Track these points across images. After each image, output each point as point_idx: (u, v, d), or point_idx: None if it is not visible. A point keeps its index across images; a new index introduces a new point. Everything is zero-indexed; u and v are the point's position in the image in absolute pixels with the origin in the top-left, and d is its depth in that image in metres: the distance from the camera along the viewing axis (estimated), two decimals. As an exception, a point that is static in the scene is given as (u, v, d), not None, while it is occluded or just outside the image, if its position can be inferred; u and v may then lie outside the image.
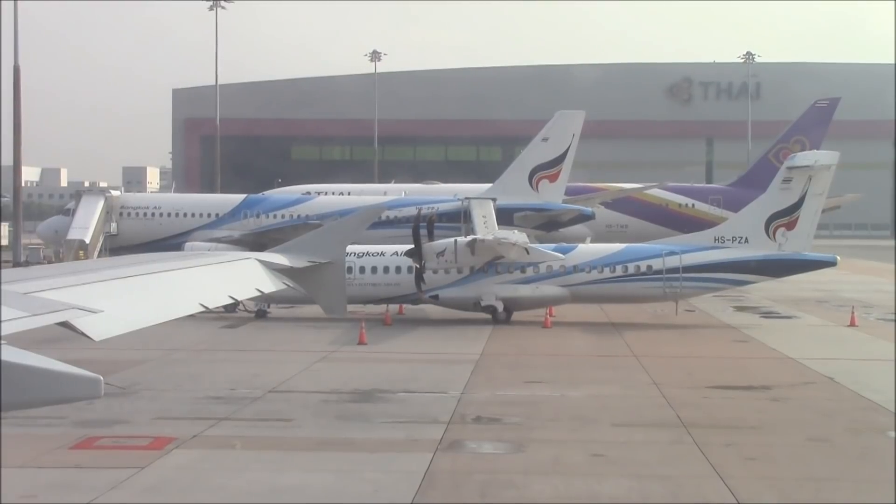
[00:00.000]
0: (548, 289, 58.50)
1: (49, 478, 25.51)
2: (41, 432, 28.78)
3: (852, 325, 58.14)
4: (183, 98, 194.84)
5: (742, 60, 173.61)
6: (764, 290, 71.11)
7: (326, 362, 45.16)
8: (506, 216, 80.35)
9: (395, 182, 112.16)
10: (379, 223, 68.67)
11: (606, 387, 39.61)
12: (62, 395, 9.13)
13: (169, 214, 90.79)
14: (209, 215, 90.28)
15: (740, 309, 68.03)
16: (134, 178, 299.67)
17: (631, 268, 58.89)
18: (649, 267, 58.76)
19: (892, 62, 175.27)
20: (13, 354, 8.82)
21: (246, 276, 16.44)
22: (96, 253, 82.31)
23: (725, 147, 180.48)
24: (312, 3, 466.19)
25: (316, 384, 39.39)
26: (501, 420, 32.99)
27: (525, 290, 58.58)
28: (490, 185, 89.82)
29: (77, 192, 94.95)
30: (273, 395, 37.26)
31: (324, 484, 26.09)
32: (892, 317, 62.12)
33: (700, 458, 27.74)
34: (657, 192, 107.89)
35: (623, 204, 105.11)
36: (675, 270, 58.41)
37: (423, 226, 58.46)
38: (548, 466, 27.00)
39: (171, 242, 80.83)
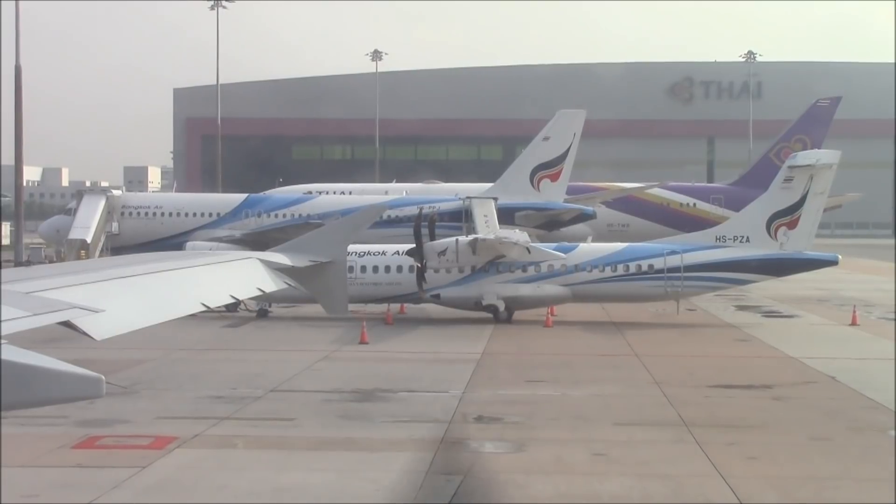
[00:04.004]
0: (549, 288, 58.58)
1: (51, 477, 25.50)
2: (43, 432, 28.82)
3: (854, 324, 58.27)
4: (184, 97, 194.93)
5: (743, 59, 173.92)
6: (765, 289, 71.26)
7: (328, 361, 45.41)
8: (507, 215, 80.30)
9: (396, 181, 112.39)
10: (380, 222, 68.90)
11: (608, 386, 39.73)
12: (64, 395, 8.99)
13: (170, 214, 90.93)
14: (210, 215, 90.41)
15: (742, 308, 68.23)
16: (135, 178, 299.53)
17: (632, 267, 58.93)
18: (651, 266, 58.80)
19: (893, 61, 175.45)
20: (14, 354, 8.67)
21: (247, 276, 16.55)
22: (97, 252, 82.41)
23: (727, 146, 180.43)
24: (315, 3, 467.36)
25: (318, 383, 39.59)
26: (503, 419, 33.17)
27: (526, 290, 58.72)
28: (491, 184, 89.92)
29: (78, 192, 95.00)
30: (275, 394, 37.33)
31: (325, 483, 26.07)
32: (893, 316, 62.28)
33: (701, 457, 27.80)
34: (658, 192, 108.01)
35: (624, 203, 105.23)
36: (676, 270, 58.45)
37: (424, 225, 58.67)
38: (549, 466, 27.13)
39: (172, 242, 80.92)
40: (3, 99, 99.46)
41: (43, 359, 8.90)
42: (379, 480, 25.95)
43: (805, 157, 62.21)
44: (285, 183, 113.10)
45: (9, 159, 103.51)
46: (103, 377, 8.74)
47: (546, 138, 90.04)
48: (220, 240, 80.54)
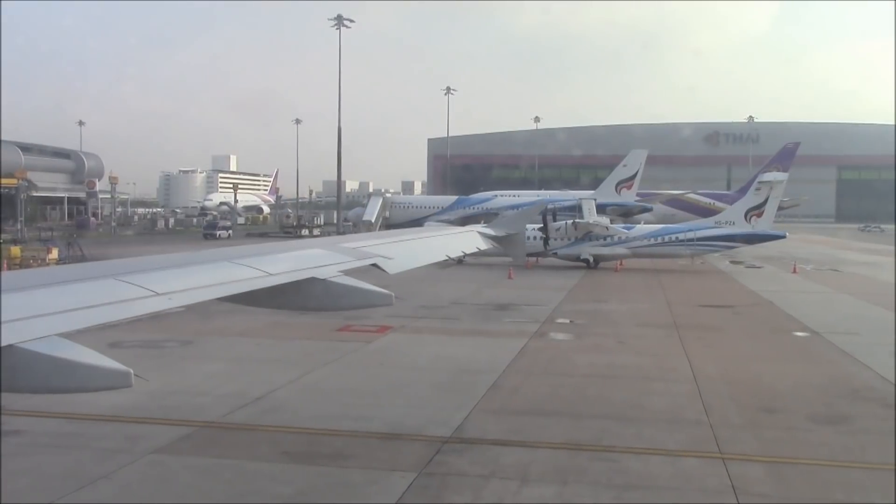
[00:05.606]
0: (619, 249, 59.30)
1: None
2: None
3: (794, 272, 57.13)
4: (433, 143, 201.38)
5: (747, 121, 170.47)
6: (748, 252, 68.77)
7: (488, 287, 45.73)
8: (601, 209, 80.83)
9: (543, 190, 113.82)
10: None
11: (639, 304, 39.48)
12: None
13: (416, 207, 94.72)
14: (438, 207, 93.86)
15: (734, 262, 66.53)
16: (406, 187, 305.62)
17: (667, 238, 59.62)
18: (677, 238, 59.46)
19: (834, 120, 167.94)
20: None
21: (471, 240, 16.03)
22: (377, 229, 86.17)
23: (737, 171, 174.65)
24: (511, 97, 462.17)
25: (478, 299, 39.89)
26: (574, 321, 32.86)
27: (605, 250, 59.32)
28: (593, 191, 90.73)
29: (368, 194, 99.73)
30: (455, 304, 38.19)
31: (468, 353, 25.02)
32: (823, 268, 61.13)
33: (678, 344, 27.78)
34: (693, 196, 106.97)
35: (673, 202, 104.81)
36: (692, 239, 58.82)
37: (549, 213, 59.12)
38: (590, 348, 26.73)
39: (419, 222, 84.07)
40: (339, 149, 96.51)
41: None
42: (497, 354, 25.06)
43: (768, 175, 61.68)
44: (481, 190, 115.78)
45: (344, 177, 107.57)
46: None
47: (624, 165, 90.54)
48: (442, 222, 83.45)
